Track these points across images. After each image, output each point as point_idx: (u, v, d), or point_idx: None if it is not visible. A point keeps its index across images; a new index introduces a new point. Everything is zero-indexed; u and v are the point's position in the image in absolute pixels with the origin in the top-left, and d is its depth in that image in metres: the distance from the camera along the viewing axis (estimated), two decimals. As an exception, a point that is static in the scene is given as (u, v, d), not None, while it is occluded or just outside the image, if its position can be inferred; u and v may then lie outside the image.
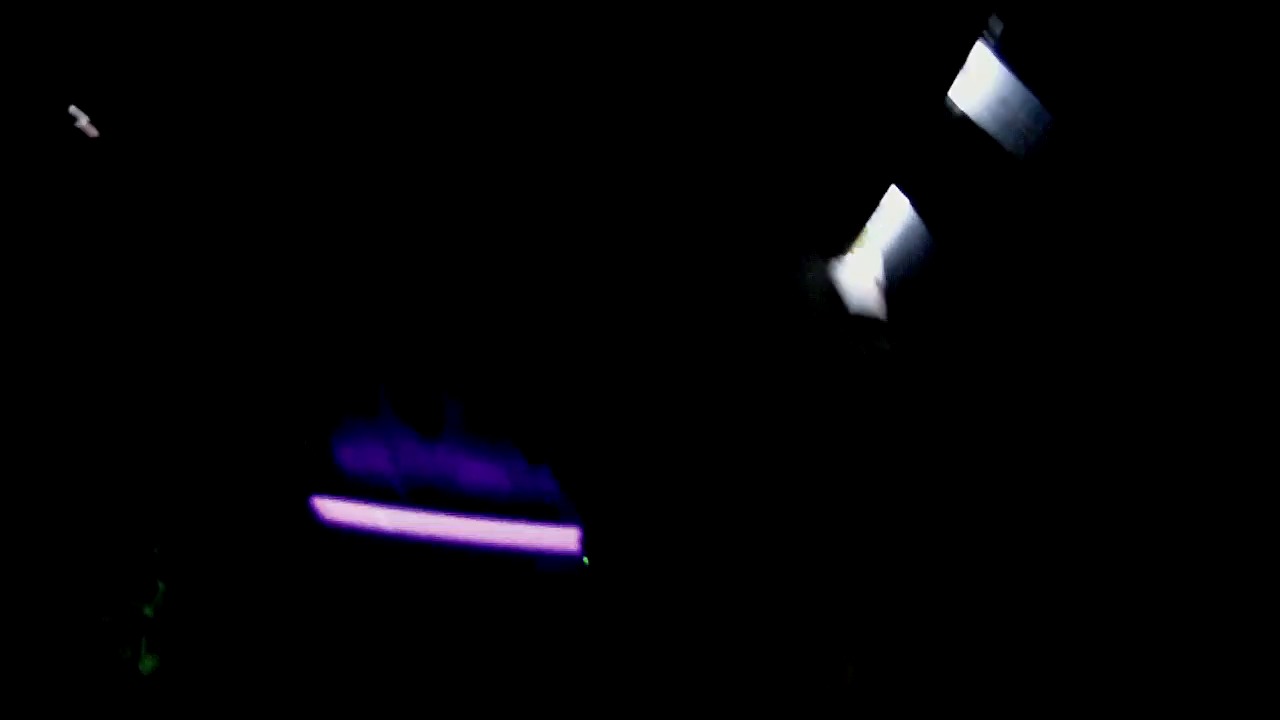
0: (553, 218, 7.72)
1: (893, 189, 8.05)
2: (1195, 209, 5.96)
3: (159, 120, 6.87)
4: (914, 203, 7.97)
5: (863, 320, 7.96)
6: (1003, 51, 7.39)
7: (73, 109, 6.55)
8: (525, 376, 7.49)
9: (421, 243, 7.64)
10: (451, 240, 7.66)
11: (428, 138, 7.41)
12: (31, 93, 6.45)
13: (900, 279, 8.06)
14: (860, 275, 8.14)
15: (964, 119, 7.81)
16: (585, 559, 6.91)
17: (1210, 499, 5.24)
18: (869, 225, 8.17)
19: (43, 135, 6.58)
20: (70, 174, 6.80)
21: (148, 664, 6.45)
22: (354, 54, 6.82)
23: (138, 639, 6.49)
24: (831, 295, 7.97)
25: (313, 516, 6.92)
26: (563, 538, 6.97)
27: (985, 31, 7.39)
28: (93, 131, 6.65)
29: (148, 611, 6.54)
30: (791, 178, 7.90)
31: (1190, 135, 6.01)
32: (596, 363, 7.48)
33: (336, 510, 6.91)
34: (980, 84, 7.58)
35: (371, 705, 6.50)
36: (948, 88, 7.71)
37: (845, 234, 8.08)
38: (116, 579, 6.60)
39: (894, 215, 8.13)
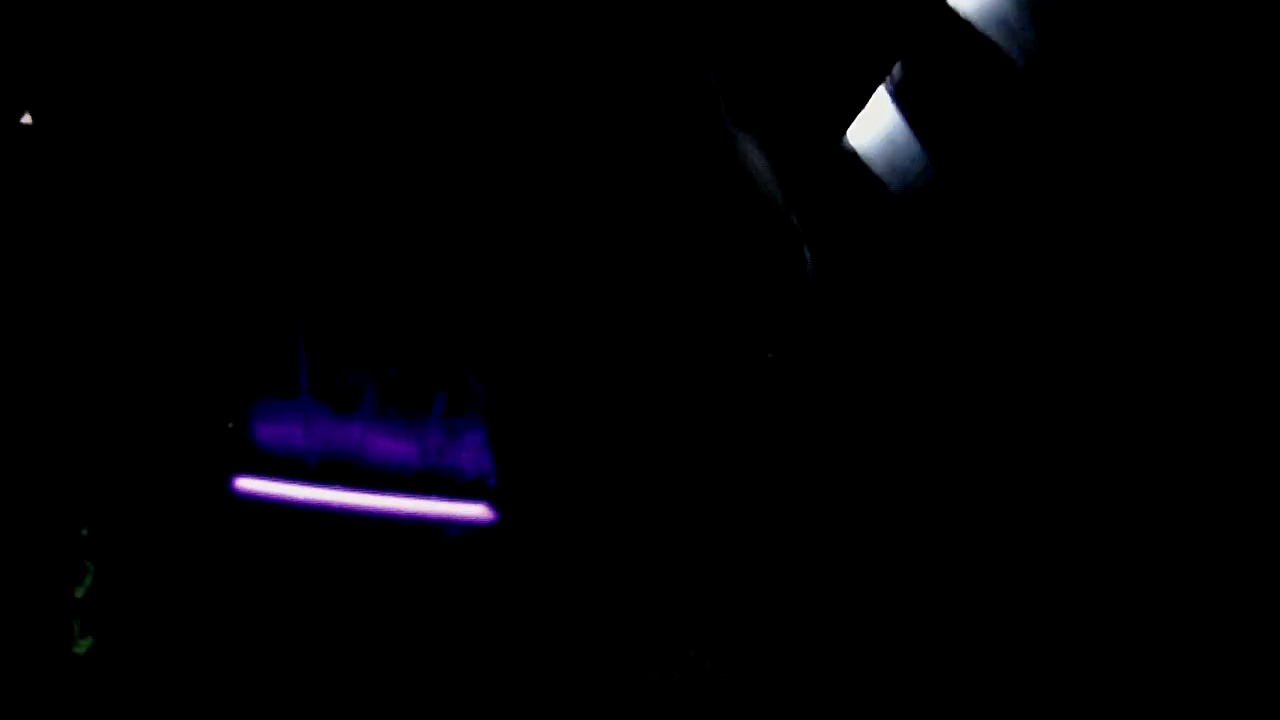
0: (470, 172, 7.81)
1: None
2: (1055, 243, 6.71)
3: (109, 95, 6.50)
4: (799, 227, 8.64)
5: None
6: (897, 96, 7.95)
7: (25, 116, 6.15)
8: (448, 349, 7.77)
9: (341, 219, 7.60)
10: (370, 215, 7.65)
11: (352, 106, 7.28)
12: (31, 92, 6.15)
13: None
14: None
15: (854, 155, 8.43)
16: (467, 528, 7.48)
17: (1188, 484, 5.45)
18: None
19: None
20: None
21: (82, 646, 6.62)
22: (320, 42, 6.59)
23: (70, 621, 6.62)
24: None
25: (234, 494, 7.11)
26: (472, 511, 7.50)
27: (887, 76, 7.91)
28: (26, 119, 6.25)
29: (78, 594, 6.65)
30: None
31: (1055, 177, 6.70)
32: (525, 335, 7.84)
33: (257, 488, 7.13)
34: (874, 124, 8.18)
35: (301, 673, 6.93)
36: (847, 126, 8.26)
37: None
38: (44, 563, 6.64)
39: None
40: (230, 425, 7.17)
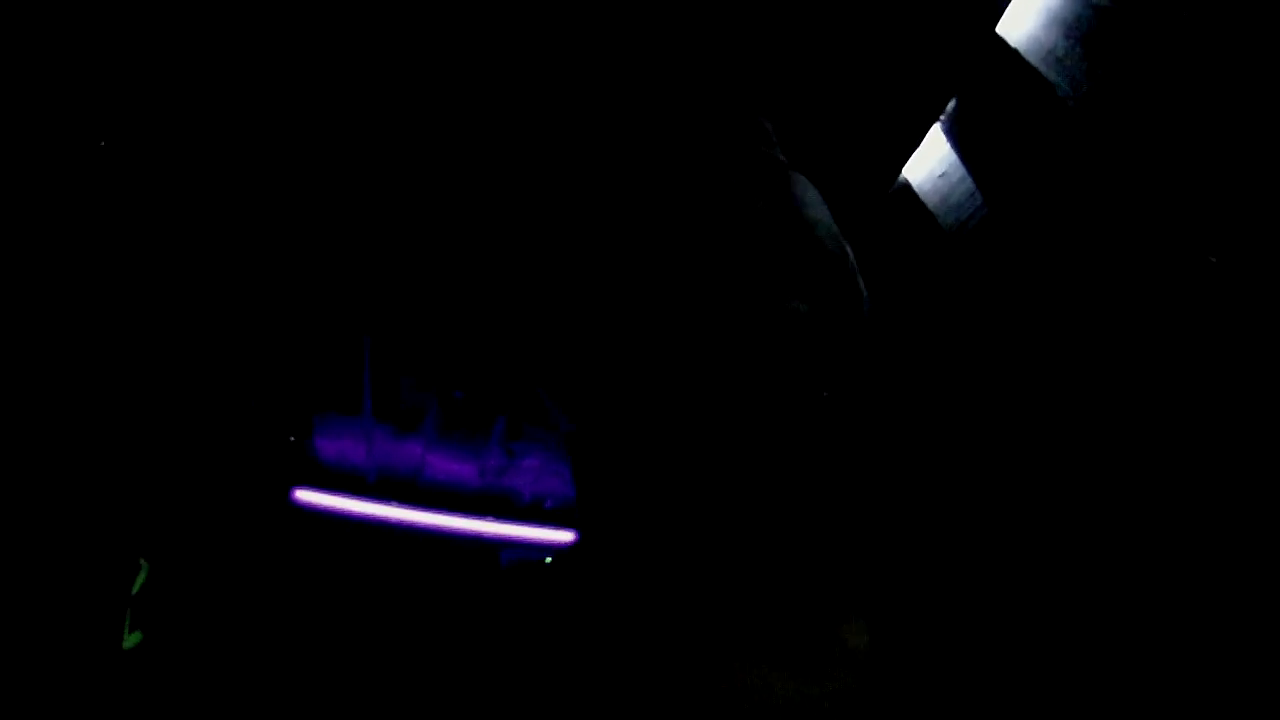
0: (543, 212, 8.05)
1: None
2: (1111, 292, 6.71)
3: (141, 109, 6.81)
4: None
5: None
6: (951, 131, 8.05)
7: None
8: (512, 372, 7.97)
9: (409, 239, 7.89)
10: (438, 238, 7.94)
11: (411, 139, 7.58)
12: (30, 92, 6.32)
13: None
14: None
15: (909, 190, 8.54)
16: (548, 558, 7.59)
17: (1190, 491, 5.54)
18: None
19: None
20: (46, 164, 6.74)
21: (131, 640, 6.89)
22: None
23: (122, 615, 6.89)
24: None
25: (293, 505, 7.37)
26: (538, 534, 7.68)
27: (942, 113, 8.02)
28: None
29: (133, 589, 6.93)
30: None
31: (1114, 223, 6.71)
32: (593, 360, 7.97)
33: (315, 500, 7.39)
34: (928, 160, 8.29)
35: (352, 688, 7.10)
36: (903, 162, 8.39)
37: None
38: (102, 560, 6.94)
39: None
40: (292, 438, 7.45)
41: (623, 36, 7.29)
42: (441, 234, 8.00)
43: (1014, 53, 7.03)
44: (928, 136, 8.22)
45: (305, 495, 7.32)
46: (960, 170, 8.10)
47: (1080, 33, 6.45)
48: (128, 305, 7.32)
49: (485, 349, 7.94)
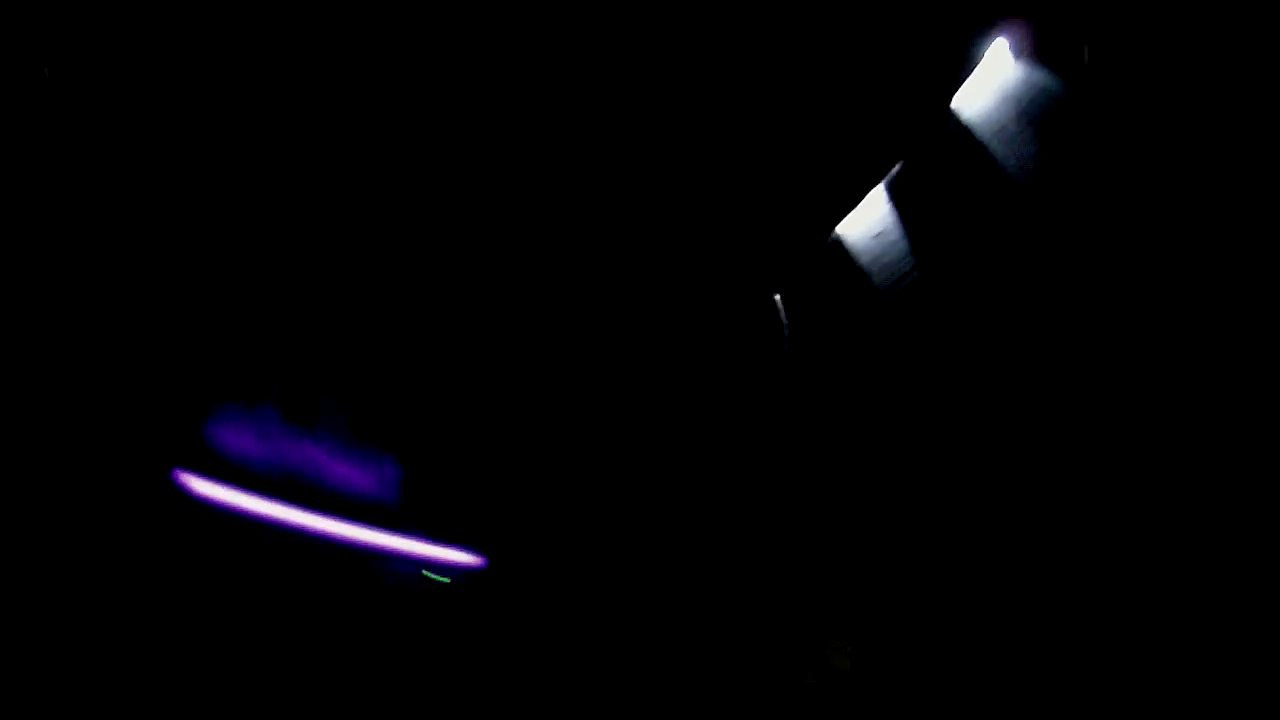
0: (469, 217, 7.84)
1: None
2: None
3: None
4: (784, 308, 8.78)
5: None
6: (893, 194, 8.12)
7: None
8: (410, 384, 7.70)
9: (330, 240, 7.58)
10: (360, 240, 7.65)
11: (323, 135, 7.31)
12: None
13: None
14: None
15: (840, 244, 8.59)
16: (432, 574, 7.30)
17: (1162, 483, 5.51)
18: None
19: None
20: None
21: None
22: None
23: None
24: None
25: (178, 490, 6.91)
26: (427, 551, 7.35)
27: (886, 175, 8.09)
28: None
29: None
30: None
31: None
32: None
33: (203, 489, 6.94)
34: (867, 219, 8.34)
35: (225, 682, 6.66)
36: (842, 217, 8.42)
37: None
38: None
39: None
40: (182, 420, 7.01)
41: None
42: (366, 232, 7.74)
43: (966, 127, 7.10)
44: (869, 196, 8.28)
45: (195, 484, 6.86)
46: (898, 232, 8.16)
47: (1032, 114, 6.53)
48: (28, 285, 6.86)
49: (395, 354, 7.68)
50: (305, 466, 7.22)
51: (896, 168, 8.00)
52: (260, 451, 7.14)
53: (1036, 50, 6.51)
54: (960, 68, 7.01)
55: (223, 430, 7.11)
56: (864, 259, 8.56)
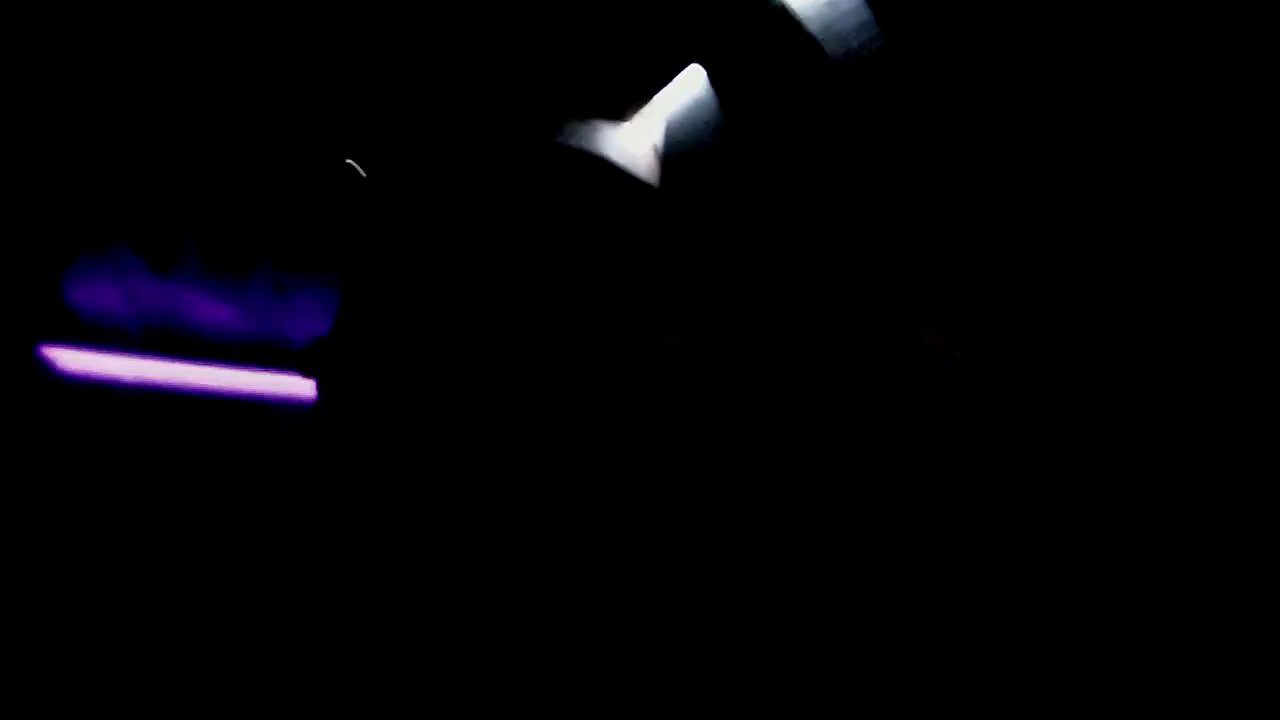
0: None
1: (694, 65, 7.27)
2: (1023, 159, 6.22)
3: None
4: (712, 81, 7.30)
5: (635, 185, 7.69)
6: None
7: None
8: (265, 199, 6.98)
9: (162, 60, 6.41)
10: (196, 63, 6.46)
11: None
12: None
13: (682, 152, 7.62)
14: (637, 142, 7.60)
15: (783, 10, 6.89)
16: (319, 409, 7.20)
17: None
18: (657, 96, 7.40)
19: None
20: None
21: None
22: None
23: None
24: (600, 161, 7.51)
25: (41, 365, 6.78)
26: (300, 386, 7.22)
27: None
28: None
29: None
30: (581, 36, 6.95)
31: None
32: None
33: (68, 359, 6.78)
34: None
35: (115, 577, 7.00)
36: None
37: (630, 100, 7.35)
38: None
39: (687, 88, 7.40)
40: (37, 285, 6.59)
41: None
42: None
43: None
44: None
45: (56, 353, 6.66)
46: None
47: None
48: None
49: (247, 158, 6.87)
50: (172, 312, 6.90)
51: None
52: (124, 306, 6.80)
53: None
54: None
55: (81, 289, 6.71)
56: (814, 25, 6.95)
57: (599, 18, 6.86)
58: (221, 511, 7.05)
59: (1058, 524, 5.96)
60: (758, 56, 7.33)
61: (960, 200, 6.12)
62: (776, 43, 7.08)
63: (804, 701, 7.47)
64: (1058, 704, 5.57)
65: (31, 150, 6.44)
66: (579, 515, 7.24)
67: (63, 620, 6.76)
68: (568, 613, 7.30)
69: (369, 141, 6.88)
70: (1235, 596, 4.54)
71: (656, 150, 7.86)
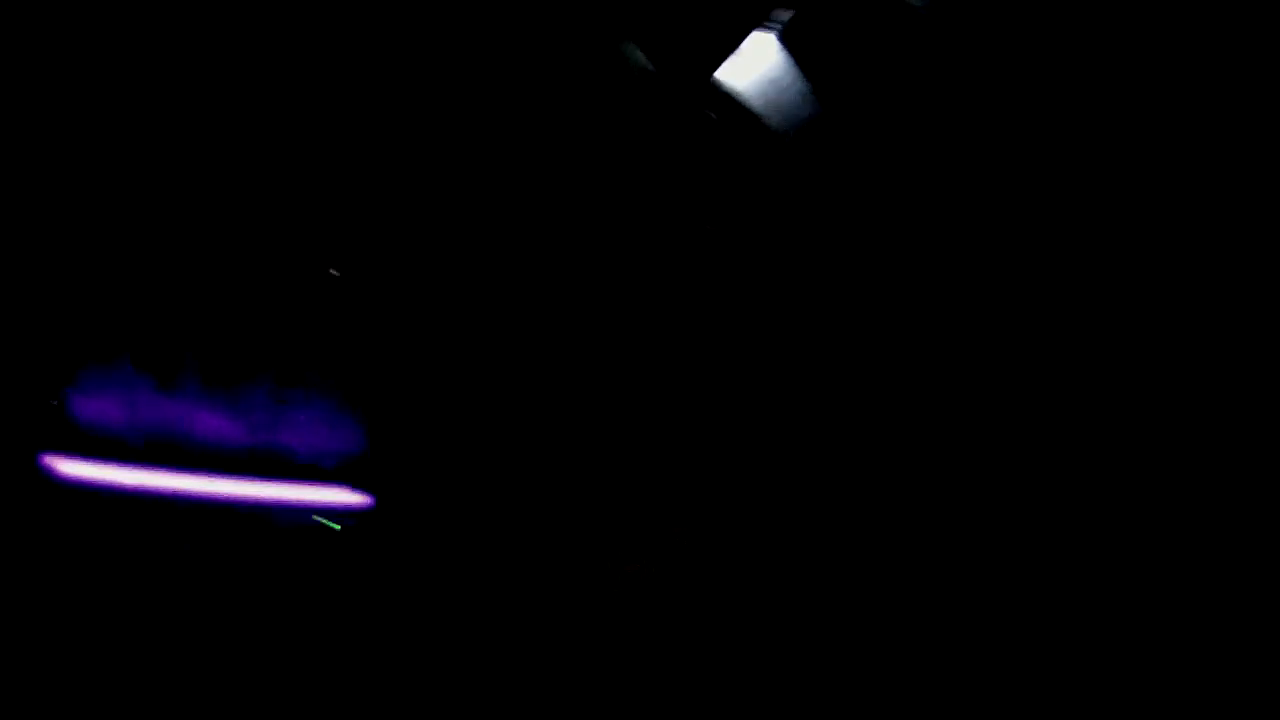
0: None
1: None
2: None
3: None
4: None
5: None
6: (784, 39, 7.23)
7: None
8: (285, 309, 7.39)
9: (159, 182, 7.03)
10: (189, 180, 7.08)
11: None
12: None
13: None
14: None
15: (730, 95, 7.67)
16: (326, 520, 7.34)
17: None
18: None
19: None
20: None
21: None
22: None
23: None
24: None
25: (45, 475, 6.89)
26: (307, 494, 7.35)
27: (767, 21, 7.12)
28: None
29: None
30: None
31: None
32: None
33: (72, 469, 6.91)
34: (754, 66, 7.40)
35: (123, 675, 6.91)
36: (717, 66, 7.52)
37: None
38: None
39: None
40: (53, 401, 6.86)
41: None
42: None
43: None
44: (751, 41, 7.27)
45: (63, 465, 6.82)
46: (793, 73, 7.37)
47: None
48: None
49: (249, 284, 7.31)
50: (174, 425, 7.11)
51: (788, 15, 6.99)
52: (125, 417, 7.02)
53: None
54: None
55: (81, 400, 6.97)
56: (757, 103, 7.68)
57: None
58: (220, 616, 6.97)
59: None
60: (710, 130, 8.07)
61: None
62: (725, 119, 7.82)
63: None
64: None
65: (35, 260, 6.87)
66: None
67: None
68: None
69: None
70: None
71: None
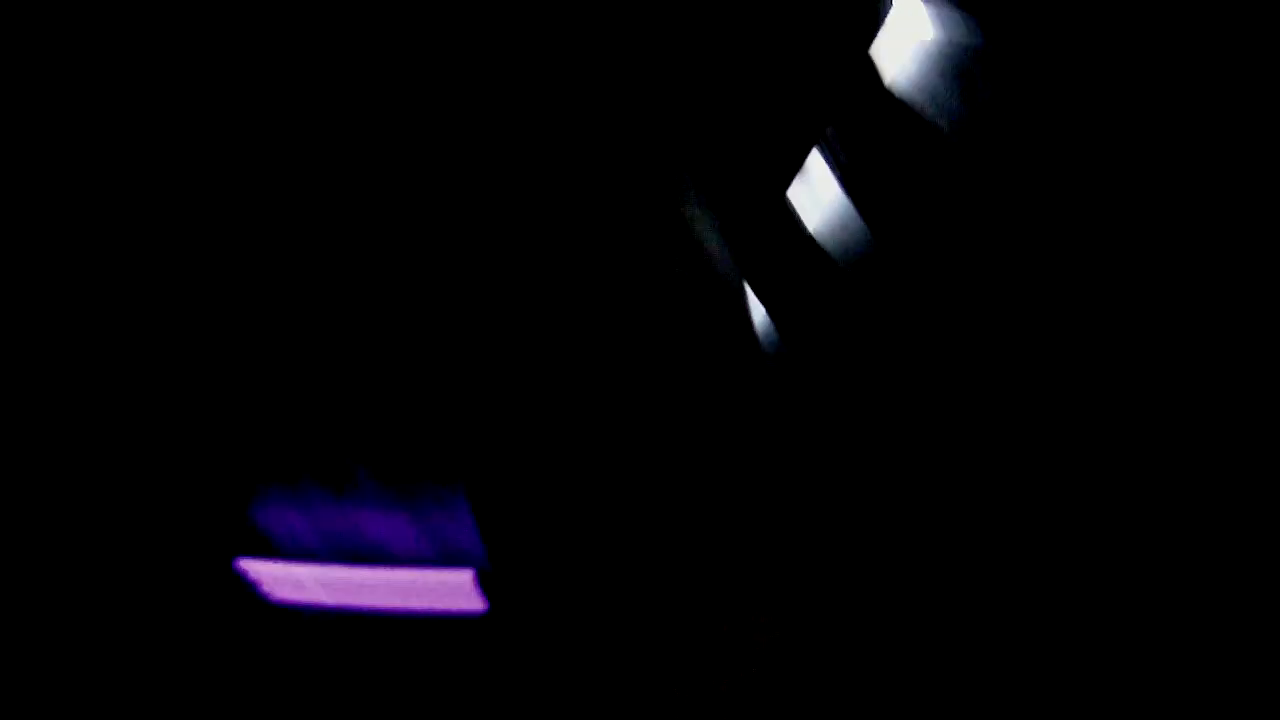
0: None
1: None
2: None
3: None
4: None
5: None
6: (834, 164, 8.45)
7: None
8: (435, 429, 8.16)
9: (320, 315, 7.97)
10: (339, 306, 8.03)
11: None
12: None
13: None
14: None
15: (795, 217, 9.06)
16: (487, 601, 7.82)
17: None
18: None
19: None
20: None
21: None
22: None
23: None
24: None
25: (240, 579, 7.34)
26: (462, 580, 7.85)
27: (822, 140, 8.45)
28: None
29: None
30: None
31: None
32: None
33: (262, 570, 7.36)
34: (818, 193, 8.76)
35: None
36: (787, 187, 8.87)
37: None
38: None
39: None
40: (235, 508, 7.42)
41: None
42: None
43: (890, 91, 7.35)
44: (809, 161, 8.66)
45: (256, 567, 7.27)
46: (847, 205, 8.39)
47: (955, 70, 6.74)
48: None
49: (407, 410, 8.11)
50: (350, 532, 7.68)
51: (832, 134, 8.34)
52: (307, 526, 7.57)
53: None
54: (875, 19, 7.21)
55: (270, 512, 7.51)
56: (822, 236, 8.92)
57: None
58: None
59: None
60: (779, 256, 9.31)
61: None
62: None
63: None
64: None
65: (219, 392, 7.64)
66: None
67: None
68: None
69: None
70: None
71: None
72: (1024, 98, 6.29)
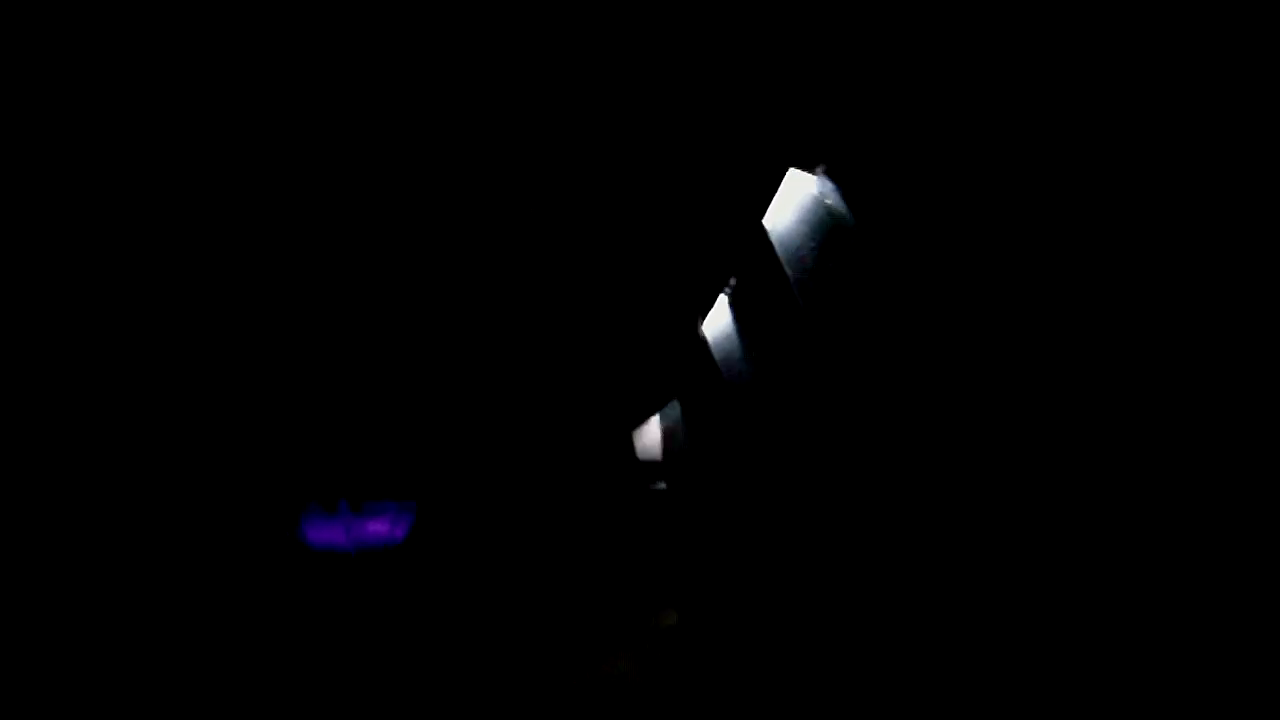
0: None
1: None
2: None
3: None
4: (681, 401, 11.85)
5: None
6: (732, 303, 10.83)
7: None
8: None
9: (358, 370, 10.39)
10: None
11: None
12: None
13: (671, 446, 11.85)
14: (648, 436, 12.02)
15: (704, 343, 11.46)
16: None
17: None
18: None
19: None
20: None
21: None
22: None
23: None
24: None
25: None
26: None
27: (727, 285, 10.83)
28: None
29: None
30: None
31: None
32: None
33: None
34: (718, 320, 11.16)
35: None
36: (702, 319, 11.26)
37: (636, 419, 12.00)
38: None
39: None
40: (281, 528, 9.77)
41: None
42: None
43: (772, 244, 9.41)
44: (718, 303, 11.00)
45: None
46: (736, 336, 10.72)
47: (820, 235, 8.10)
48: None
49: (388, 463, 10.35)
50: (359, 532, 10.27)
51: (733, 280, 10.66)
52: (346, 538, 10.07)
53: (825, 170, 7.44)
54: (768, 190, 8.25)
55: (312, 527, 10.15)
56: (718, 355, 11.25)
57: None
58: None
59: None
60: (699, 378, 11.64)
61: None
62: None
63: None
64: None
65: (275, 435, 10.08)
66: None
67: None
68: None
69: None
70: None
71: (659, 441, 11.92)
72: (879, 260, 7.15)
